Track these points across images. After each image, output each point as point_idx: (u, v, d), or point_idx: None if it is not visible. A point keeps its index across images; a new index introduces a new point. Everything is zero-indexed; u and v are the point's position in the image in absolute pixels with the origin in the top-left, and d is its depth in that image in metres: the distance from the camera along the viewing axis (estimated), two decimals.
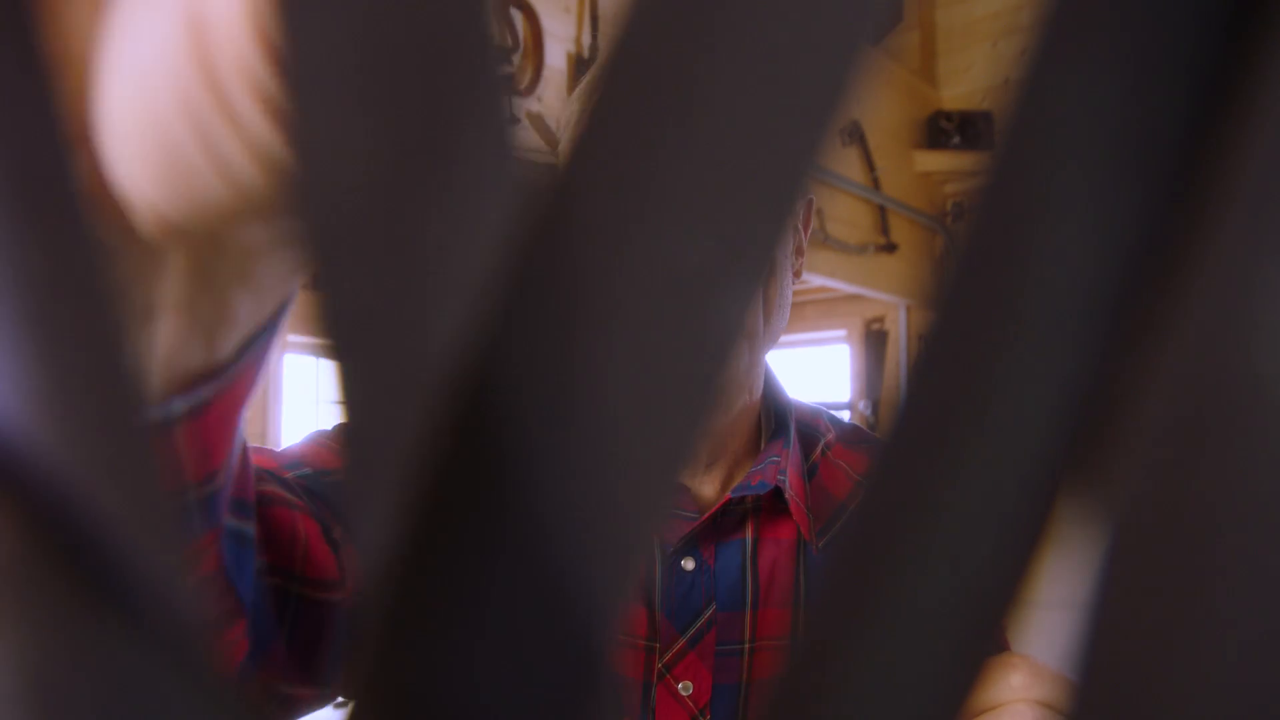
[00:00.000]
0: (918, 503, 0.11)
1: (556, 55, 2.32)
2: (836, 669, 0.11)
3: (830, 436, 0.63)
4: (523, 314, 0.10)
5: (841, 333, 4.30)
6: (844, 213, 3.13)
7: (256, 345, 0.25)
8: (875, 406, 3.87)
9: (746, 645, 0.54)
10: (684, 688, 0.52)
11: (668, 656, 0.53)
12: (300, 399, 3.65)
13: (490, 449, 0.10)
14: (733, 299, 0.11)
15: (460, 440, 0.10)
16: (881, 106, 3.22)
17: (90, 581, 0.12)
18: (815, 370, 4.50)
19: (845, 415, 4.05)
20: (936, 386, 0.11)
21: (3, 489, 0.12)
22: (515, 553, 0.10)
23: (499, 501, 0.10)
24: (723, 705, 0.52)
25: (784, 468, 0.56)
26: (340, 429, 0.11)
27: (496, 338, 0.10)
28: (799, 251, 0.61)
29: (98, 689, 0.11)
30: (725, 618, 0.54)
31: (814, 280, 3.18)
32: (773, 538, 0.56)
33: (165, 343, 0.21)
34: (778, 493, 0.56)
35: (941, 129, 3.43)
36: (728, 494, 0.55)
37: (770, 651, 0.54)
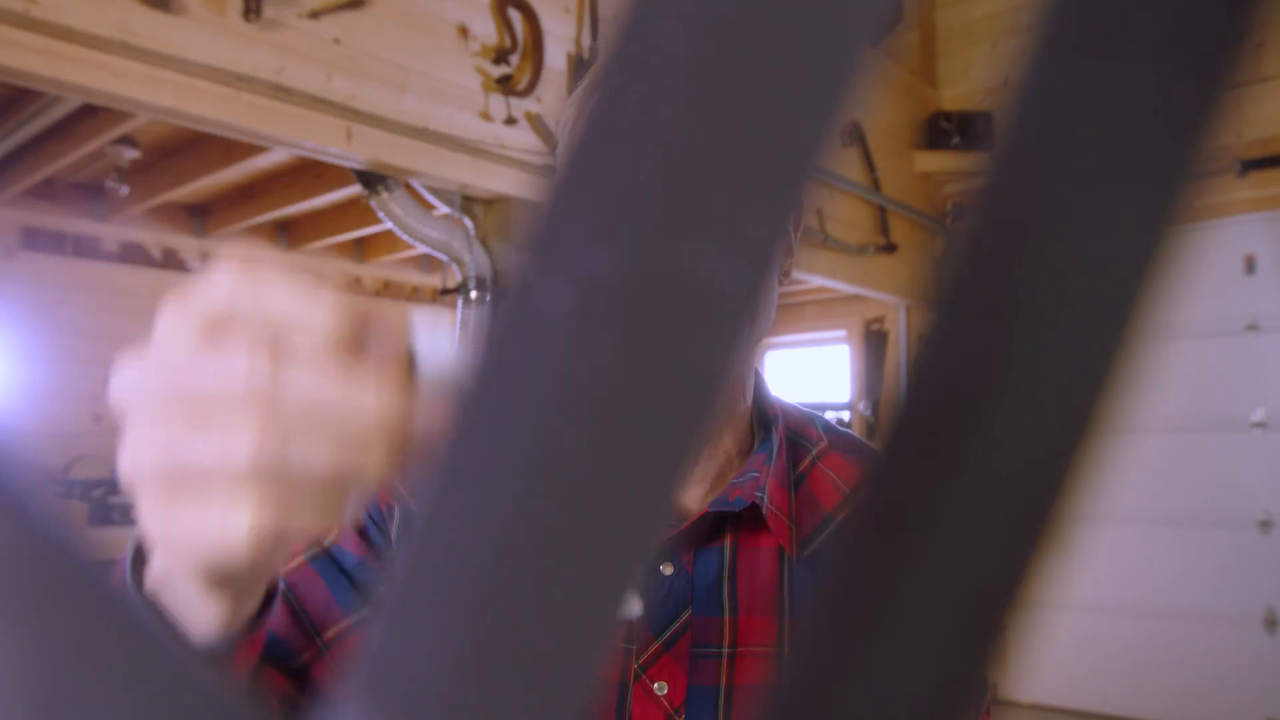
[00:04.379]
0: (919, 503, 0.11)
1: (556, 56, 2.31)
2: (835, 672, 0.11)
3: (823, 445, 0.63)
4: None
5: (841, 333, 4.30)
6: (844, 213, 3.13)
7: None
8: (875, 407, 3.86)
9: (725, 650, 0.55)
10: (659, 688, 0.53)
11: (643, 658, 0.53)
12: None
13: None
14: (738, 301, 0.11)
15: None
16: (881, 106, 3.22)
17: (89, 585, 0.12)
18: (815, 370, 4.50)
19: (845, 415, 4.04)
20: (936, 386, 0.11)
21: (3, 491, 0.12)
22: None
23: None
24: (699, 706, 0.53)
25: (763, 484, 0.56)
26: None
27: None
28: (788, 252, 0.61)
29: (98, 693, 0.11)
30: (701, 622, 0.55)
31: (814, 280, 3.17)
32: (752, 546, 0.57)
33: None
34: (755, 508, 0.56)
35: (941, 129, 3.43)
36: (705, 507, 0.55)
37: (752, 658, 0.54)
